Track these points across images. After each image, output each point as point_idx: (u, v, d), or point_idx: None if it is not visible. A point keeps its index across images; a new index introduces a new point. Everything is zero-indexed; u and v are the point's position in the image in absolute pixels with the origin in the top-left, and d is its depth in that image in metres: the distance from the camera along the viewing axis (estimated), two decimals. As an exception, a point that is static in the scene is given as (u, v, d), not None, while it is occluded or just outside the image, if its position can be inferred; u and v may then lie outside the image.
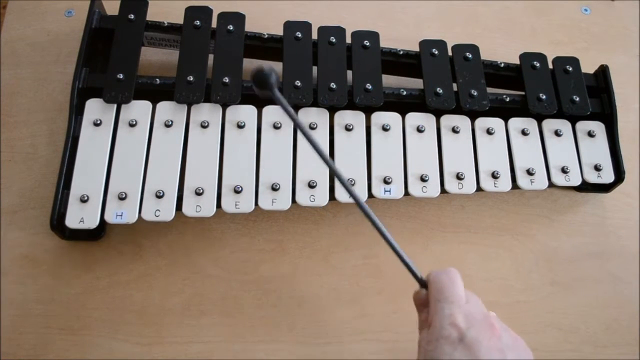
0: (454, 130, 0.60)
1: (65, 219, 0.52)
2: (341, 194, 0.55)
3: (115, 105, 0.57)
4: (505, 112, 0.62)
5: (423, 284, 0.43)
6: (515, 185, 0.59)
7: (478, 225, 0.62)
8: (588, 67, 0.65)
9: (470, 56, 0.63)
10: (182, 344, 0.54)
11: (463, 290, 0.42)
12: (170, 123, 0.57)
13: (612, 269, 0.61)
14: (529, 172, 0.59)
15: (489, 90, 0.62)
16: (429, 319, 0.41)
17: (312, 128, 0.58)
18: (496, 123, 0.61)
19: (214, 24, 0.62)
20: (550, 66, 0.64)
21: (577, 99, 0.62)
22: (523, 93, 0.63)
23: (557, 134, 0.61)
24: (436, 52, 0.63)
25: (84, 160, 0.55)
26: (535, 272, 0.60)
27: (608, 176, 0.60)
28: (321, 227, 0.60)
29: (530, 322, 0.58)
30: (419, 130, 0.59)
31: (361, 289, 0.58)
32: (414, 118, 0.60)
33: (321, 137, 0.58)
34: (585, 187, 0.63)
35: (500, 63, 0.65)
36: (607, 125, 0.63)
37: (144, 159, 0.55)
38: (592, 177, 0.60)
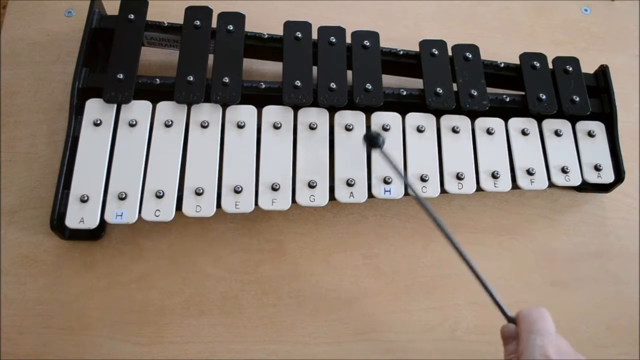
0: (454, 130, 0.60)
1: (65, 219, 0.52)
2: (341, 194, 0.55)
3: (115, 105, 0.57)
4: (505, 112, 0.62)
5: (510, 319, 0.46)
6: (515, 185, 0.59)
7: (478, 225, 0.62)
8: (588, 67, 0.65)
9: (470, 56, 0.63)
10: (182, 344, 0.54)
11: (553, 326, 0.43)
12: (170, 123, 0.57)
13: (612, 269, 0.61)
14: (529, 172, 0.59)
15: (489, 90, 0.62)
16: (519, 351, 0.42)
17: (312, 128, 0.58)
18: (496, 123, 0.61)
19: (214, 24, 0.62)
20: (550, 66, 0.64)
21: (577, 99, 0.62)
22: (523, 93, 0.63)
23: (557, 134, 0.61)
24: (436, 52, 0.63)
25: (84, 160, 0.55)
26: (535, 272, 0.60)
27: (608, 176, 0.60)
28: (321, 227, 0.60)
29: (530, 322, 0.58)
30: (419, 130, 0.59)
31: (361, 289, 0.58)
32: (414, 118, 0.60)
33: (321, 137, 0.58)
34: (585, 187, 0.63)
35: (500, 63, 0.65)
36: (607, 125, 0.63)
37: (144, 159, 0.55)
38: (592, 177, 0.60)
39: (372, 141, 0.52)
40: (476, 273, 0.46)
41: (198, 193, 0.54)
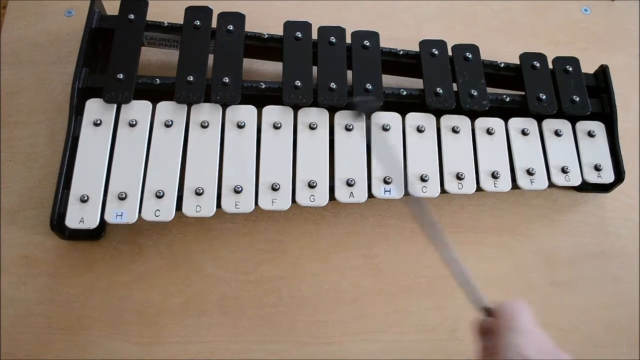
0: (454, 130, 0.60)
1: (65, 219, 0.52)
2: (341, 194, 0.55)
3: (115, 105, 0.57)
4: (505, 112, 0.62)
5: (488, 311, 0.43)
6: (515, 185, 0.59)
7: (478, 225, 0.62)
8: (588, 67, 0.65)
9: (470, 56, 0.63)
10: (182, 343, 0.54)
11: (532, 321, 0.40)
12: (170, 123, 0.57)
13: (612, 269, 0.61)
14: (529, 172, 0.59)
15: (489, 90, 0.62)
16: (496, 346, 0.40)
17: (312, 128, 0.58)
18: (496, 123, 0.61)
19: (214, 24, 0.62)
20: (550, 66, 0.64)
21: (577, 99, 0.62)
22: (523, 93, 0.63)
23: (557, 134, 0.61)
24: (436, 52, 0.63)
25: (84, 160, 0.55)
26: (535, 272, 0.60)
27: (608, 176, 0.60)
28: (321, 227, 0.60)
29: (530, 322, 0.58)
30: (419, 130, 0.59)
31: (361, 289, 0.58)
32: (414, 118, 0.60)
33: (321, 137, 0.58)
34: (585, 187, 0.63)
35: (500, 63, 0.65)
36: (607, 125, 0.63)
37: (144, 159, 0.55)
38: (592, 177, 0.60)
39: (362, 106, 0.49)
40: (452, 263, 0.43)
41: (198, 193, 0.54)
